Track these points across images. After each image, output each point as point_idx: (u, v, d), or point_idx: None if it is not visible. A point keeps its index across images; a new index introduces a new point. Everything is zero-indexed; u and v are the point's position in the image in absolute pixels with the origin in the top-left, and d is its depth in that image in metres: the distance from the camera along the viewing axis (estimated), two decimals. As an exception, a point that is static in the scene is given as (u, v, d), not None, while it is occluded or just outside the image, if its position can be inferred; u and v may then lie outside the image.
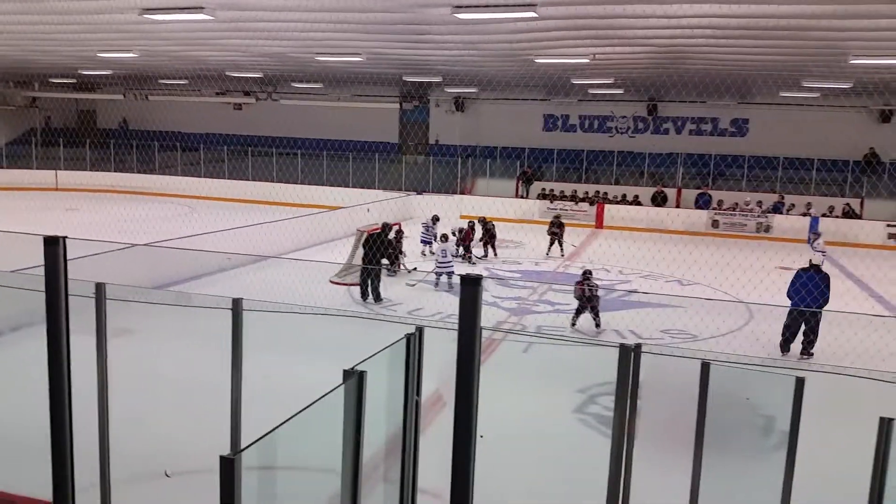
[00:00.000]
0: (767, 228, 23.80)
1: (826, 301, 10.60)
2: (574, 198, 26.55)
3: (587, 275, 11.81)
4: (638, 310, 12.84)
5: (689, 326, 11.70)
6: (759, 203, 24.64)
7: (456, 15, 11.28)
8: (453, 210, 23.20)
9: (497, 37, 14.29)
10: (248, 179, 29.42)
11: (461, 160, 28.62)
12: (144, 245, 13.39)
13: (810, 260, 11.05)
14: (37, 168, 30.57)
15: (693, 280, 15.56)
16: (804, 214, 23.66)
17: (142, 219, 20.10)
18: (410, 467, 4.01)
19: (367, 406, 3.34)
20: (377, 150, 30.08)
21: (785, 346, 10.70)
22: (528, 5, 10.56)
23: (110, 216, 20.74)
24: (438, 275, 14.58)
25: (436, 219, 18.96)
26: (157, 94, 28.74)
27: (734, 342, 10.98)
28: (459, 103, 30.57)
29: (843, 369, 8.77)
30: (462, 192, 27.45)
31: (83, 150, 31.73)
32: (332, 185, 27.04)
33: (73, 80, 29.50)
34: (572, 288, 12.07)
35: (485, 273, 16.21)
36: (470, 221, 18.68)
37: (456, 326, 3.33)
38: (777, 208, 24.51)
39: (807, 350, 10.52)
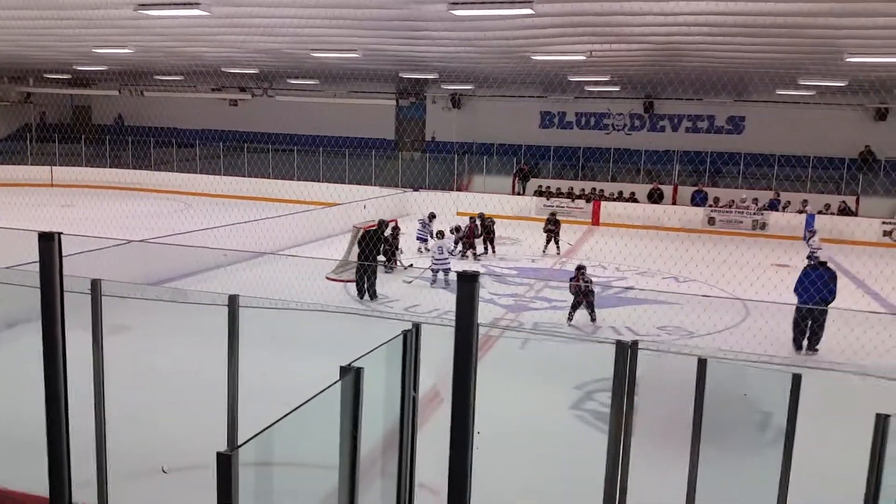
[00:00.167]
0: (763, 226, 23.83)
1: (833, 297, 10.69)
2: (570, 195, 26.56)
3: (581, 270, 11.92)
4: (634, 307, 12.87)
5: (685, 323, 11.74)
6: (756, 200, 24.65)
7: (452, 11, 11.24)
8: (450, 207, 23.17)
9: (493, 34, 14.27)
10: (244, 176, 29.31)
11: (458, 157, 28.61)
12: (140, 241, 13.36)
13: (818, 257, 11.14)
14: (32, 164, 30.39)
15: (689, 277, 15.58)
16: (800, 212, 23.70)
17: (138, 215, 20.07)
18: (408, 463, 4.02)
19: (364, 402, 3.34)
20: (374, 147, 30.01)
21: (798, 341, 10.74)
22: (525, 2, 10.51)
23: (106, 212, 20.68)
24: (435, 271, 14.59)
25: (432, 216, 18.97)
26: (152, 90, 28.63)
27: (731, 339, 11.01)
28: (456, 100, 30.52)
29: (840, 366, 8.82)
30: (459, 189, 27.42)
31: (78, 145, 31.55)
32: (328, 182, 26.94)
33: (69, 76, 29.39)
34: (568, 285, 12.13)
35: (482, 270, 16.21)
36: (472, 217, 18.69)
37: (453, 323, 3.33)
38: (773, 205, 24.53)
39: (812, 346, 10.60)
